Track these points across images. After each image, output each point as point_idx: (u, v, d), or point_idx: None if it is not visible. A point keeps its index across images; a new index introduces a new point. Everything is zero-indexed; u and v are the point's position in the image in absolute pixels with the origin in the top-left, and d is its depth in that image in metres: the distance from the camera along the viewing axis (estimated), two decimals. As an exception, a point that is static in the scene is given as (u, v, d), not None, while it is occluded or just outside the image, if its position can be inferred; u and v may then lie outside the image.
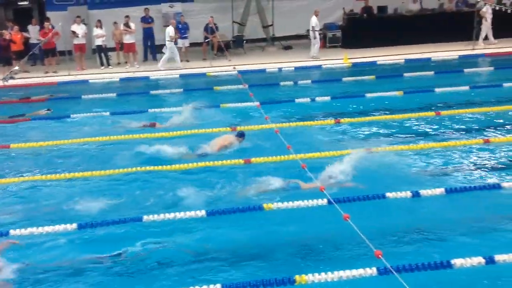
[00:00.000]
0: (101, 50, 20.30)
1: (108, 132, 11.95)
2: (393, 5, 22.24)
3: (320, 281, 6.07)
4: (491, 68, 16.98)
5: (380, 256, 5.85)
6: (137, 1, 21.85)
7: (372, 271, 6.17)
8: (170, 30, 19.40)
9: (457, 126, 11.62)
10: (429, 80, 15.96)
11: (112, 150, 10.95)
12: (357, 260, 6.53)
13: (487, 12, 20.49)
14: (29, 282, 6.49)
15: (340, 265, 6.47)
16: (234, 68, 18.38)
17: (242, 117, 12.77)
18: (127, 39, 20.06)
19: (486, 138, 10.54)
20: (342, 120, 12.16)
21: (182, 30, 20.36)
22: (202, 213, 7.82)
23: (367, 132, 11.45)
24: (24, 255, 6.97)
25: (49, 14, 21.60)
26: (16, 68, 17.79)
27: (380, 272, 6.12)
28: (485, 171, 9.23)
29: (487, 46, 20.33)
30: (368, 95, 14.36)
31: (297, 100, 14.12)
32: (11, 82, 17.04)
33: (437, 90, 14.53)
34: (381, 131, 11.57)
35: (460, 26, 20.50)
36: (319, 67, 18.45)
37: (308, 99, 14.18)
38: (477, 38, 19.82)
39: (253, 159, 9.89)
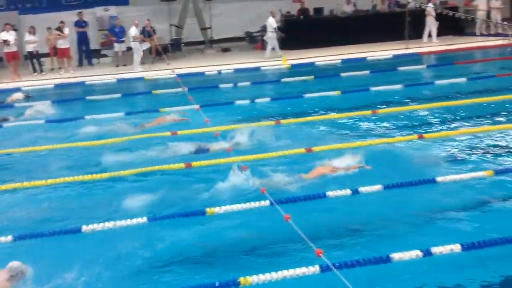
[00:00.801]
0: (33, 57, 19.68)
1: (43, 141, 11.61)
2: (329, 6, 22.62)
3: (264, 282, 6.08)
4: (424, 66, 17.53)
5: (321, 254, 5.93)
6: (70, 5, 21.32)
7: (315, 269, 6.24)
8: (132, 31, 19.24)
9: (393, 124, 11.91)
10: (365, 79, 16.33)
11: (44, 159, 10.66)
12: (300, 259, 6.58)
13: (431, 10, 21.23)
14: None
15: (284, 265, 6.51)
16: (173, 71, 18.23)
17: (182, 120, 12.66)
18: (61, 44, 19.55)
19: (421, 134, 10.86)
20: (282, 121, 12.26)
21: (118, 34, 20.02)
22: (143, 220, 7.72)
23: (308, 132, 11.57)
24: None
25: (-23, 20, 20.76)
26: None
27: (322, 270, 6.21)
28: (420, 166, 9.50)
29: (422, 44, 21.03)
30: (307, 95, 14.55)
31: (237, 102, 14.14)
32: None
33: (373, 88, 14.89)
34: (321, 130, 11.72)
35: (393, 26, 21.12)
36: (258, 68, 18.55)
37: (248, 101, 14.23)
38: (409, 38, 20.40)
39: (194, 163, 9.83)
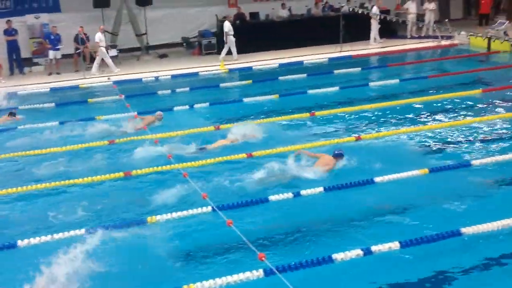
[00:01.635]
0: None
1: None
2: (264, 11, 22.78)
3: (209, 288, 6.06)
4: (358, 69, 17.92)
5: (263, 258, 5.94)
6: (-1, 13, 20.56)
7: (259, 273, 6.25)
8: (97, 37, 19.09)
9: (330, 125, 12.10)
10: (303, 82, 16.53)
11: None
12: (243, 264, 6.57)
13: (373, 13, 21.84)
14: None
15: (228, 271, 6.49)
16: (109, 78, 17.86)
17: (120, 128, 12.41)
18: (-11, 53, 18.80)
19: (358, 135, 11.08)
20: (221, 126, 12.22)
21: (54, 41, 19.45)
22: (81, 231, 7.52)
23: (245, 136, 11.55)
24: None
25: None
26: None
27: (266, 274, 6.22)
28: (359, 167, 9.69)
29: (368, 46, 21.55)
30: (246, 99, 14.58)
31: (175, 108, 13.99)
32: None
33: (310, 91, 15.08)
34: (262, 134, 11.73)
35: (327, 30, 21.48)
36: (196, 74, 18.44)
37: (187, 107, 14.11)
38: (343, 41, 20.80)
39: (133, 172, 9.67)
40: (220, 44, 21.58)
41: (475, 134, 11.06)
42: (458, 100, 13.69)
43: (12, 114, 13.88)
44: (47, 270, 6.38)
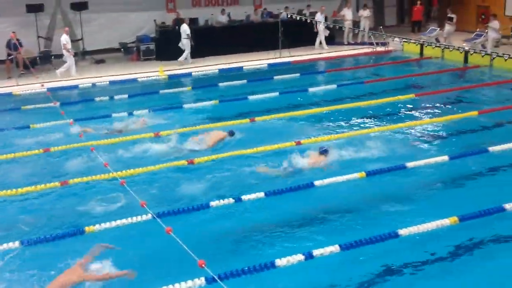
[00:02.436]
0: None
1: None
2: (204, 17, 22.73)
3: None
4: (297, 75, 18.13)
5: (203, 265, 5.90)
6: None
7: (200, 281, 6.19)
8: (63, 38, 18.66)
9: (270, 131, 12.16)
10: (243, 88, 16.57)
11: None
12: (184, 272, 6.49)
13: (317, 19, 22.18)
14: None
15: (168, 279, 6.40)
16: (43, 85, 17.33)
17: (55, 136, 12.07)
18: None
19: (298, 140, 11.19)
20: (161, 133, 12.07)
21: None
22: (15, 244, 7.26)
23: (186, 143, 11.48)
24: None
25: None
26: None
27: (208, 281, 6.17)
28: (299, 171, 9.80)
29: (307, 52, 21.84)
30: (186, 106, 14.47)
31: (113, 115, 13.71)
32: None
33: (251, 97, 15.13)
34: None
35: (267, 36, 21.67)
36: (134, 80, 18.15)
37: (126, 113, 13.86)
38: (282, 47, 21.02)
39: (70, 181, 9.41)
40: (159, 49, 21.37)
41: (409, 137, 11.39)
42: (392, 105, 14.07)
43: None
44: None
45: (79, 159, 10.40)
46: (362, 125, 12.32)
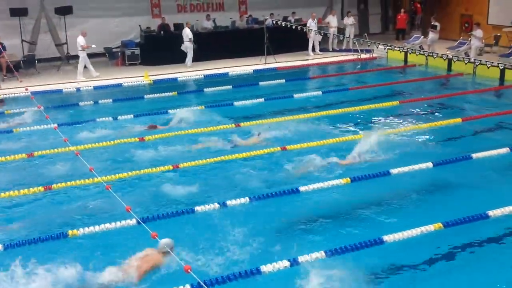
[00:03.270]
0: None
1: None
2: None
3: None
4: (283, 81, 18.18)
5: (189, 270, 5.88)
6: None
7: None
8: (81, 40, 18.79)
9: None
10: (228, 94, 16.58)
11: None
12: (170, 277, 6.47)
13: (310, 26, 22.30)
14: None
15: (154, 285, 6.38)
16: (27, 89, 17.18)
17: (39, 141, 11.97)
18: None
19: (283, 146, 11.21)
20: (146, 138, 12.03)
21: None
22: (-2, 248, 7.21)
23: (172, 148, 11.46)
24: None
25: None
26: None
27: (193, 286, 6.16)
28: (285, 177, 9.83)
29: (298, 58, 21.95)
30: (171, 111, 14.42)
31: (98, 120, 13.63)
32: None
33: (236, 103, 15.14)
34: (185, 146, 11.67)
35: (252, 42, 21.72)
36: (119, 85, 18.06)
37: (111, 118, 13.78)
38: (268, 53, 21.07)
39: (54, 185, 9.33)
40: (144, 54, 21.34)
41: (394, 144, 11.46)
42: (377, 111, 14.17)
43: None
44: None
45: (64, 164, 10.32)
46: (346, 132, 12.37)
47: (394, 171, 9.82)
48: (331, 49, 23.98)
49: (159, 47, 21.23)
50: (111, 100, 15.97)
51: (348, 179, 9.46)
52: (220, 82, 18.27)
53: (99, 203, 8.68)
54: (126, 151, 11.28)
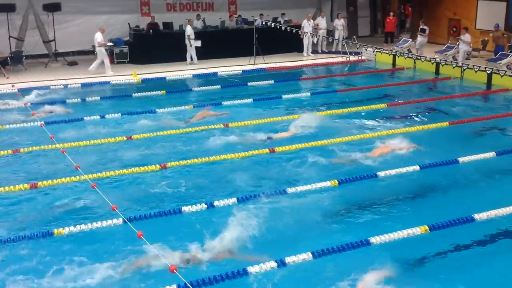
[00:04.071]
0: None
1: None
2: (178, 21, 22.64)
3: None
4: (271, 82, 18.17)
5: (175, 270, 5.86)
6: None
7: None
8: (98, 36, 18.94)
9: (245, 137, 12.15)
10: (217, 94, 16.54)
11: None
12: (155, 276, 6.44)
13: (304, 27, 22.43)
14: None
15: (140, 285, 6.34)
16: (13, 86, 17.02)
17: (25, 138, 11.86)
18: None
19: (272, 148, 11.18)
20: (134, 136, 11.97)
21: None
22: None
23: (160, 147, 11.42)
24: None
25: None
26: None
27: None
28: (274, 178, 9.83)
29: (287, 59, 21.98)
30: (160, 110, 14.35)
31: (85, 118, 13.52)
32: None
33: (225, 103, 15.10)
34: (174, 145, 11.63)
35: (241, 42, 21.69)
36: (107, 83, 17.95)
37: (98, 117, 13.68)
38: (257, 54, 21.05)
39: (40, 183, 9.25)
40: (133, 53, 21.23)
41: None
42: (365, 114, 14.21)
43: None
44: None
45: (50, 161, 10.23)
46: (334, 134, 12.36)
47: (381, 173, 9.85)
48: (320, 51, 24.02)
49: (148, 45, 21.13)
50: (98, 98, 15.86)
51: (336, 181, 9.47)
52: (209, 81, 18.24)
53: (85, 201, 8.62)
54: (113, 150, 11.21)
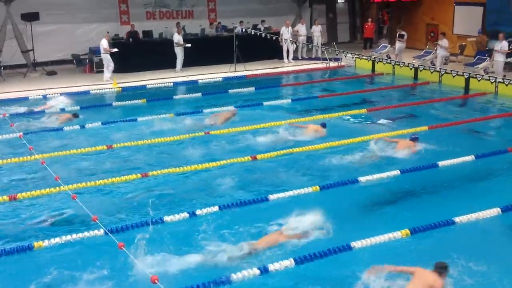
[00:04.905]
0: None
1: None
2: (158, 30, 22.62)
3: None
4: (252, 89, 18.19)
5: (156, 281, 5.83)
6: None
7: (153, 297, 6.10)
8: (104, 43, 19.11)
9: (226, 145, 12.15)
10: (198, 102, 16.51)
11: None
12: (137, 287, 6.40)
13: (283, 34, 22.60)
14: None
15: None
16: (-9, 96, 16.84)
17: (3, 149, 11.73)
18: None
19: (254, 155, 11.19)
20: (114, 145, 11.90)
21: None
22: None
23: (141, 157, 11.37)
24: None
25: None
26: None
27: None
28: (254, 184, 9.83)
29: (267, 66, 22.08)
30: (140, 118, 14.28)
31: (65, 129, 13.40)
32: None
33: (206, 110, 15.07)
34: (156, 154, 11.59)
35: (222, 49, 21.72)
36: (87, 92, 17.83)
37: (78, 126, 13.58)
38: (238, 61, 21.09)
39: (19, 195, 9.14)
40: (113, 61, 21.10)
41: (361, 152, 11.58)
42: (345, 119, 14.29)
43: None
44: None
45: (29, 173, 10.13)
46: (315, 140, 12.41)
47: (362, 179, 9.91)
48: (300, 58, 24.13)
49: (128, 54, 21.05)
50: (78, 107, 15.74)
51: (317, 187, 9.51)
52: (190, 89, 18.22)
53: (65, 213, 8.55)
54: (94, 159, 11.14)
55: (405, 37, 22.55)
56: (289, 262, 7.00)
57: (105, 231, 7.60)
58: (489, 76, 17.94)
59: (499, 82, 17.28)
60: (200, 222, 8.26)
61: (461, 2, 23.45)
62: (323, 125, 12.78)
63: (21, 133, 12.63)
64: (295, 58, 23.91)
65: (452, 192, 9.71)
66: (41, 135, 12.80)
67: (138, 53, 21.04)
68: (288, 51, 23.37)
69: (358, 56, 22.36)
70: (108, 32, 20.75)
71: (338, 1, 28.60)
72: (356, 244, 7.47)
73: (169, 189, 9.63)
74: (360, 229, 8.09)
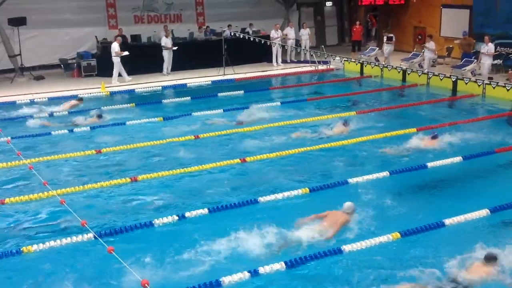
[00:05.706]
0: None
1: None
2: (146, 34, 22.56)
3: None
4: (241, 92, 18.19)
5: (146, 285, 5.80)
6: None
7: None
8: (116, 46, 19.42)
9: (214, 148, 12.14)
10: (187, 106, 16.48)
11: None
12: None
13: (273, 37, 22.62)
14: None
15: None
16: (-22, 101, 16.71)
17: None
18: None
19: (243, 158, 11.19)
20: (103, 150, 11.84)
21: None
22: None
23: (131, 161, 11.32)
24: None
25: None
26: None
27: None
28: (245, 187, 9.83)
29: (256, 69, 22.06)
30: (129, 122, 14.23)
31: (53, 133, 13.32)
32: None
33: (195, 114, 15.06)
34: (145, 158, 11.54)
35: (210, 53, 21.70)
36: (75, 96, 17.69)
37: (66, 131, 13.51)
38: (226, 65, 21.10)
39: (7, 199, 9.07)
40: (100, 66, 21.05)
41: (351, 154, 11.61)
42: (334, 122, 14.30)
43: None
44: None
45: (17, 178, 10.06)
46: (304, 142, 12.43)
47: (352, 180, 9.93)
48: (289, 61, 24.18)
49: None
50: (66, 112, 15.65)
51: (307, 189, 9.52)
52: (179, 93, 18.19)
53: (54, 218, 8.49)
54: (82, 164, 11.08)
55: (393, 39, 22.66)
56: (279, 265, 6.99)
57: (94, 235, 7.56)
58: (476, 79, 18.07)
59: (486, 84, 17.41)
60: (189, 225, 8.24)
61: (448, 5, 23.62)
62: (345, 123, 13.27)
63: (8, 138, 12.54)
64: (284, 61, 23.95)
65: (441, 194, 9.75)
66: (29, 140, 12.71)
67: (126, 57, 20.95)
68: (277, 54, 23.42)
69: (346, 59, 22.44)
70: (119, 36, 20.72)
71: (326, 4, 28.68)
72: (347, 247, 7.47)
73: (158, 193, 9.59)
74: (350, 232, 8.10)
